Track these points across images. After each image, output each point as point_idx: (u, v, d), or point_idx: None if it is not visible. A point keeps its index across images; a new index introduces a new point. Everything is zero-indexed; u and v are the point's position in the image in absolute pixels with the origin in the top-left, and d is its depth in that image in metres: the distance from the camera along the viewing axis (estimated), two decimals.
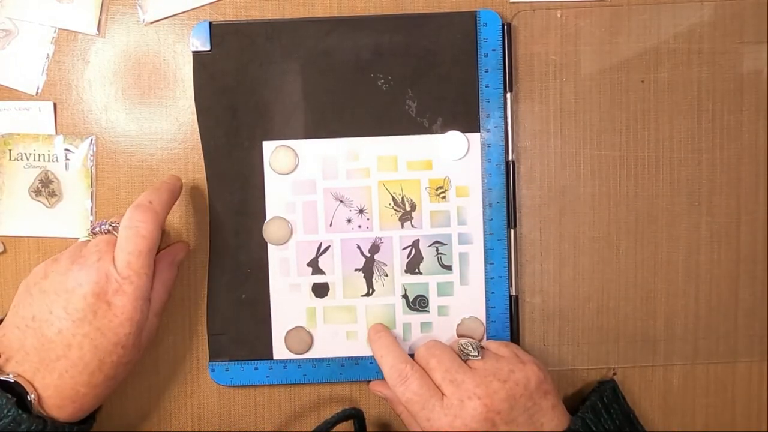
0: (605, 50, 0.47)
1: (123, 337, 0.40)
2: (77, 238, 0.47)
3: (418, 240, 0.47)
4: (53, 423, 0.39)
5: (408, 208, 0.47)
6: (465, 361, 0.42)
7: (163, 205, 0.42)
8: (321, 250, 0.47)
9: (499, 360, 0.42)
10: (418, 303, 0.47)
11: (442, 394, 0.41)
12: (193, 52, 0.46)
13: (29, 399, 0.38)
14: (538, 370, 0.42)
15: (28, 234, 0.47)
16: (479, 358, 0.42)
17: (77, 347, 0.39)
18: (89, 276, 0.39)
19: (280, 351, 0.47)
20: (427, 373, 0.42)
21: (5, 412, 0.37)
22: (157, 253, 0.45)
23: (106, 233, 0.42)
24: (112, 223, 0.42)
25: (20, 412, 0.37)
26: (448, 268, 0.47)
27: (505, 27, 0.46)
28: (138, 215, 0.40)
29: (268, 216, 0.46)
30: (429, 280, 0.47)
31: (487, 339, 0.47)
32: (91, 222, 0.47)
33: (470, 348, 0.43)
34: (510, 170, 0.47)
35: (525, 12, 0.47)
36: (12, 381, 0.38)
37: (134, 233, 0.40)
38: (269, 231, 0.46)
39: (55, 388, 0.39)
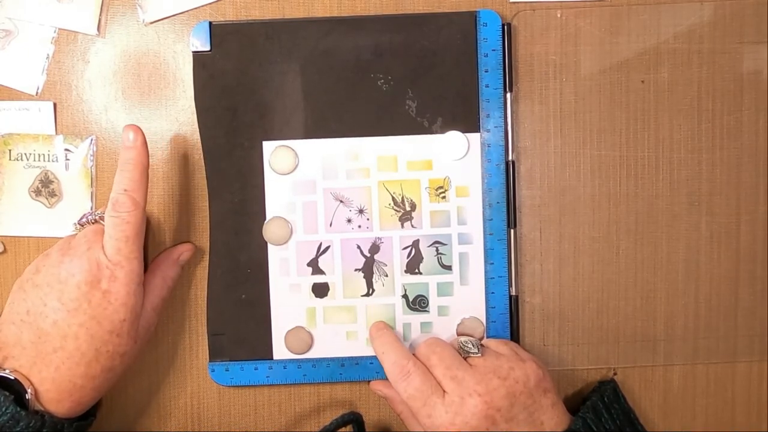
0: (605, 50, 0.47)
1: (118, 324, 0.40)
2: None
3: (418, 240, 0.47)
4: (51, 419, 0.39)
5: (408, 208, 0.47)
6: (465, 359, 0.42)
7: (137, 187, 0.41)
8: (321, 250, 0.47)
9: (499, 357, 0.42)
10: (418, 303, 0.47)
11: (443, 391, 0.41)
12: (193, 52, 0.46)
13: (27, 396, 0.38)
14: (538, 368, 0.42)
15: (28, 234, 0.47)
16: (479, 355, 0.42)
17: (73, 337, 0.39)
18: (81, 265, 0.39)
19: (280, 351, 0.47)
20: (428, 370, 0.42)
21: (3, 409, 0.37)
22: (163, 251, 0.46)
23: (93, 223, 0.43)
24: (98, 213, 0.43)
25: (18, 409, 0.37)
26: (448, 268, 0.47)
27: (505, 27, 0.46)
28: (118, 206, 0.41)
29: (268, 216, 0.46)
30: (429, 280, 0.47)
31: (487, 338, 0.47)
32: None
33: (470, 345, 0.43)
34: (510, 170, 0.47)
35: (525, 12, 0.47)
36: (12, 378, 0.38)
37: (119, 221, 0.40)
38: (269, 231, 0.46)
39: (53, 381, 0.39)
